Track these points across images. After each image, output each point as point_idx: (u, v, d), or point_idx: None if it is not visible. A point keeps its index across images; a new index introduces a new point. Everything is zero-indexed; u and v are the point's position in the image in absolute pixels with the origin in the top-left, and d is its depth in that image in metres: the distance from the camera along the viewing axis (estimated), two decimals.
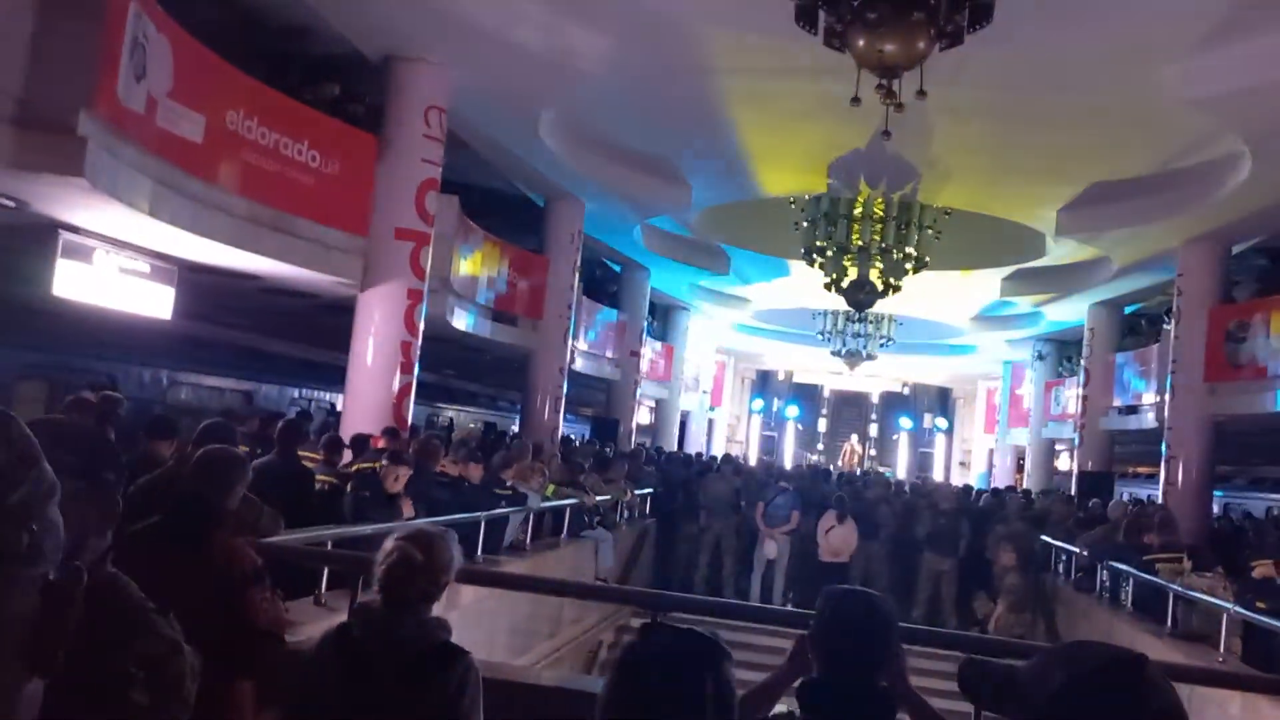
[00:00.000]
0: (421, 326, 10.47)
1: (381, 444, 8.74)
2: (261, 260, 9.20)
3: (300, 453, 7.59)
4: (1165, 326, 15.20)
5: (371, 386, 10.24)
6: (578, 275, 15.66)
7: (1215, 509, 15.16)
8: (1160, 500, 13.86)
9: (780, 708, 2.72)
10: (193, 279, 9.50)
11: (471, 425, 22.50)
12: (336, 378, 11.60)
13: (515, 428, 17.71)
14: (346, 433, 9.21)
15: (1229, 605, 7.48)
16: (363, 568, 4.52)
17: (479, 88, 10.59)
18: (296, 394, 18.75)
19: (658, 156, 13.51)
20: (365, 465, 7.71)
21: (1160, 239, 13.81)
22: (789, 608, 12.96)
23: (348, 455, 8.47)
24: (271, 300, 12.10)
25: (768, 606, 12.52)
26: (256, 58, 9.42)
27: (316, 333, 13.95)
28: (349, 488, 6.94)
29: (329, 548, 5.67)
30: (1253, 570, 7.97)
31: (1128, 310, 18.87)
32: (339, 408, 12.36)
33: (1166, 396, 14.20)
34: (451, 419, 22.62)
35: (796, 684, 2.56)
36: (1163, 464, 13.99)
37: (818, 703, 2.43)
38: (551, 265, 15.12)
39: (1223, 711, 6.69)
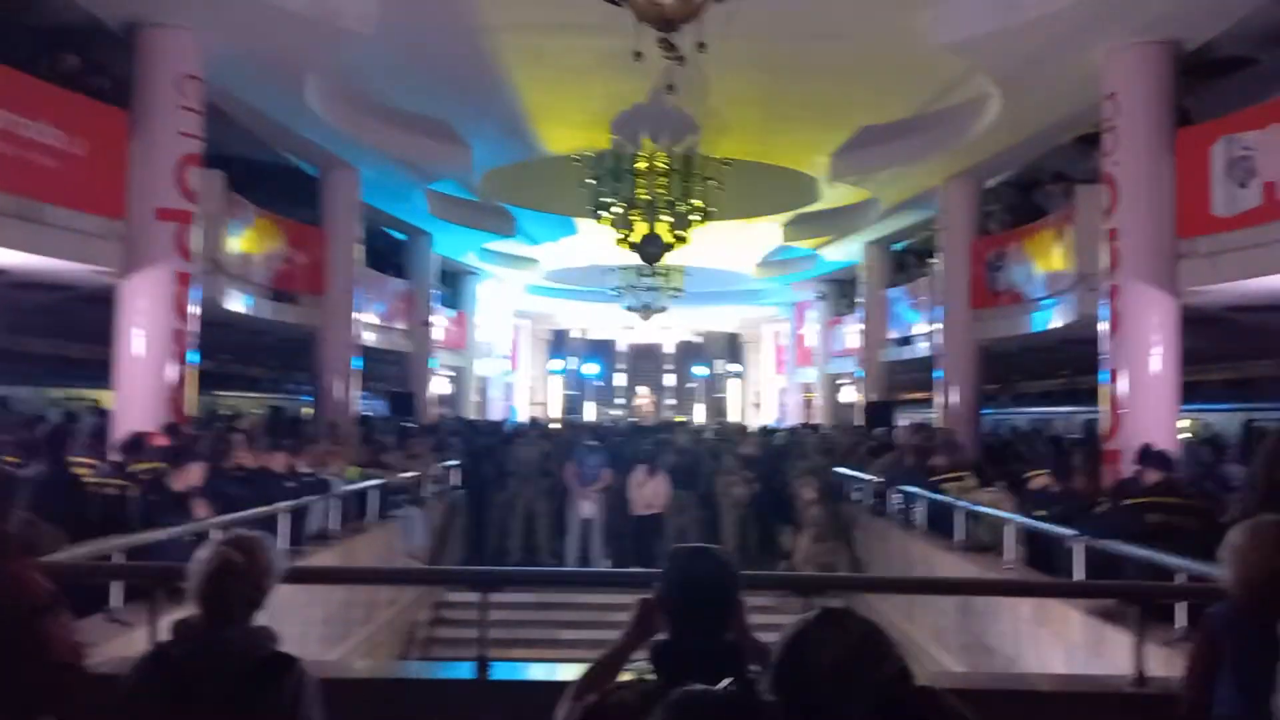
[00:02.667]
0: (194, 312, 9.80)
1: (163, 442, 8.16)
2: (5, 253, 8.34)
3: (71, 459, 6.97)
4: (932, 260, 16.17)
5: (143, 380, 9.52)
6: (360, 247, 15.07)
7: (985, 425, 16.35)
8: (937, 422, 14.83)
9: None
10: None
11: (255, 411, 21.38)
12: (102, 374, 10.71)
13: (307, 411, 16.98)
14: (119, 432, 8.52)
15: (1011, 516, 8.08)
16: (162, 578, 4.19)
17: (236, 53, 9.93)
18: (57, 395, 17.29)
19: (435, 119, 13.11)
20: (148, 466, 7.16)
21: (922, 178, 14.63)
22: (609, 567, 13.16)
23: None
24: (20, 295, 11.00)
25: (600, 570, 12.64)
26: None
27: (75, 326, 12.81)
28: (134, 493, 6.40)
29: (119, 560, 5.20)
30: (1029, 482, 8.63)
31: (897, 247, 19.97)
32: (108, 406, 11.43)
33: (937, 326, 15.15)
34: (234, 407, 21.39)
35: (647, 646, 2.52)
36: (937, 389, 14.97)
37: (671, 663, 2.40)
38: (330, 238, 14.49)
39: (1015, 614, 7.25)
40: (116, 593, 5.03)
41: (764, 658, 2.64)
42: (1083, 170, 12.42)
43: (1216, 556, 3.02)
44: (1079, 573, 6.43)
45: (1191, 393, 11.35)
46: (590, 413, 34.10)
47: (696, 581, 2.52)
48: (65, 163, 8.71)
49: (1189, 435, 12.51)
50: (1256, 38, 9.89)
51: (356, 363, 14.80)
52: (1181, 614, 5.03)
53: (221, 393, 20.83)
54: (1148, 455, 7.18)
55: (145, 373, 9.50)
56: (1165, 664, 4.59)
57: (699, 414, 35.20)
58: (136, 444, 8.05)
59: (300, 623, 7.30)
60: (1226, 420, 14.58)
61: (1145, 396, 9.50)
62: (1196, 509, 6.40)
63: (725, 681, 2.00)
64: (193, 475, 6.47)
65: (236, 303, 12.02)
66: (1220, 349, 13.80)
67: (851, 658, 1.75)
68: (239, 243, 12.17)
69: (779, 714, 1.76)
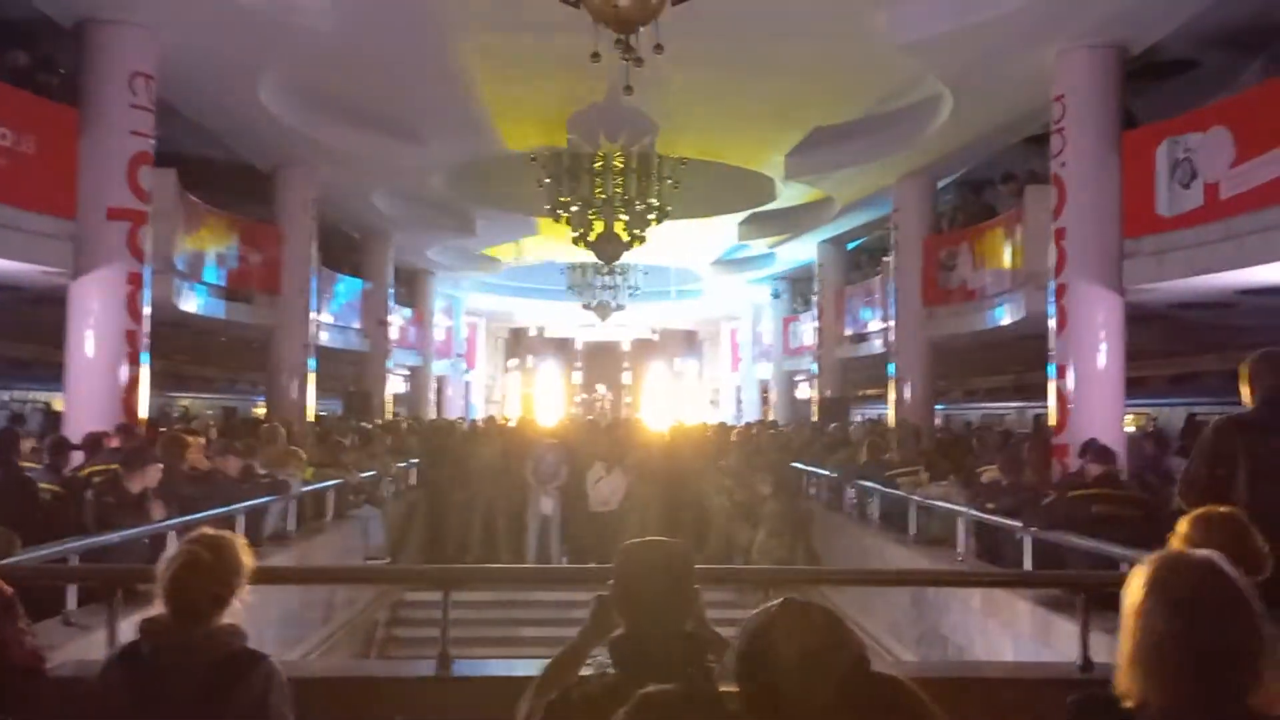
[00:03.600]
0: (147, 312, 9.69)
1: (116, 443, 8.07)
2: None
3: (19, 461, 6.88)
4: (886, 259, 16.38)
5: (95, 381, 9.41)
6: (315, 246, 14.96)
7: (938, 421, 16.60)
8: (891, 418, 15.04)
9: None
10: None
11: (208, 412, 21.13)
12: (52, 375, 10.55)
13: (261, 411, 16.82)
14: (70, 433, 8.41)
15: (962, 509, 8.24)
16: (120, 580, 4.17)
17: (189, 50, 9.83)
18: (4, 396, 16.96)
19: (392, 116, 13.05)
20: (101, 467, 7.08)
21: (876, 177, 14.82)
22: (566, 563, 13.20)
23: (75, 458, 7.73)
24: None
25: (560, 567, 12.67)
26: None
27: (25, 328, 12.60)
28: (88, 494, 6.33)
29: (75, 562, 5.15)
30: (981, 476, 8.80)
31: (851, 246, 20.19)
32: (58, 407, 11.27)
33: (891, 323, 15.36)
34: (186, 407, 21.12)
35: (606, 641, 2.56)
36: (891, 385, 15.18)
37: (630, 657, 2.45)
38: (286, 237, 14.37)
39: (965, 605, 7.40)
40: (72, 596, 5.00)
41: (722, 649, 2.70)
42: (1032, 170, 12.66)
43: (1164, 546, 3.11)
44: (1027, 564, 6.60)
45: (1137, 388, 11.62)
46: (548, 411, 34.06)
47: (647, 576, 2.54)
48: (14, 161, 8.58)
49: (1134, 429, 12.80)
50: (1199, 42, 10.15)
51: (312, 363, 14.69)
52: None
53: (174, 394, 20.56)
54: (1091, 449, 7.36)
55: (97, 374, 9.39)
56: (1110, 651, 4.72)
57: (656, 411, 35.29)
58: (92, 444, 7.98)
59: (257, 624, 7.26)
60: (1170, 414, 14.92)
61: (1092, 392, 9.72)
62: (1136, 500, 6.61)
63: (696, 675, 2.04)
64: (149, 476, 6.41)
65: (190, 302, 11.90)
66: (1164, 345, 14.13)
67: (816, 646, 1.79)
68: (192, 241, 12.04)
69: (743, 704, 1.80)
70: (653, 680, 1.93)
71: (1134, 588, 1.78)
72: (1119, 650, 1.77)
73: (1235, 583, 1.74)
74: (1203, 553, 1.82)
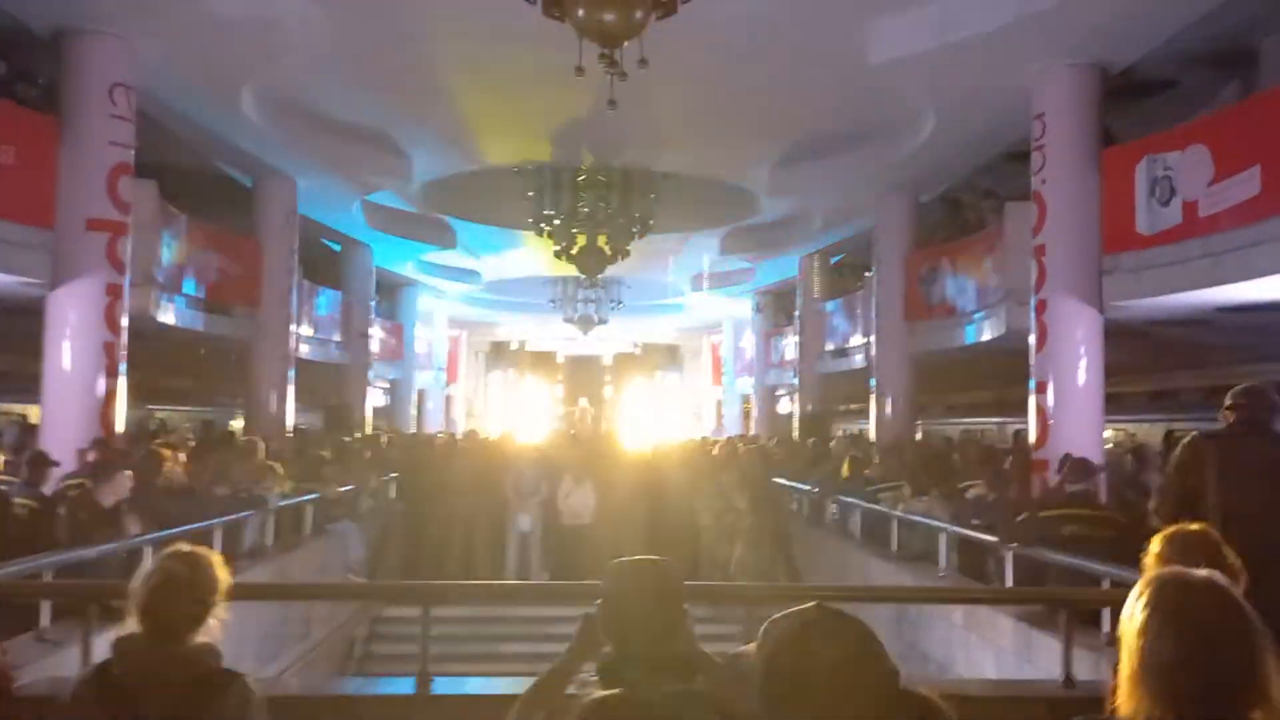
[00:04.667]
0: (125, 324, 9.60)
1: (92, 457, 7.99)
2: None
3: None
4: (868, 274, 16.44)
5: (72, 394, 9.30)
6: (296, 258, 14.89)
7: (919, 436, 16.64)
8: (872, 432, 15.07)
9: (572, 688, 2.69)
10: None
11: (186, 425, 20.94)
12: (29, 387, 10.42)
13: (238, 424, 16.68)
14: (47, 446, 8.30)
15: (944, 525, 8.25)
16: (94, 595, 4.12)
17: (171, 61, 9.79)
18: None
19: (374, 129, 13.01)
20: (75, 482, 7.00)
21: (859, 193, 14.88)
22: (548, 579, 13.12)
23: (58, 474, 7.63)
24: None
25: (541, 583, 12.59)
26: None
27: (1, 339, 12.45)
28: (61, 510, 6.25)
29: (49, 577, 5.08)
30: (967, 492, 8.82)
31: (834, 261, 20.26)
32: (34, 419, 11.13)
33: (872, 338, 15.40)
34: (163, 420, 20.93)
35: (595, 661, 2.52)
36: (872, 400, 15.21)
37: (619, 678, 2.41)
38: (266, 249, 14.29)
39: (948, 621, 7.40)
40: (46, 613, 4.92)
41: (712, 670, 2.67)
42: (1013, 187, 12.74)
43: (1140, 564, 3.12)
44: (1009, 580, 6.60)
45: (1116, 404, 11.67)
46: (529, 425, 33.95)
47: (637, 595, 2.50)
48: None
49: (1112, 445, 12.86)
50: (1178, 61, 10.25)
51: (291, 375, 14.59)
52: (1107, 620, 5.19)
53: (152, 406, 20.37)
54: (1068, 464, 7.39)
55: (74, 386, 9.28)
56: (1092, 668, 4.73)
57: (637, 425, 35.25)
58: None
59: (234, 640, 7.18)
60: (1148, 431, 15.01)
61: (1071, 407, 9.76)
62: (1109, 520, 6.63)
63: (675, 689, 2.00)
64: (120, 487, 6.33)
65: (168, 314, 11.80)
66: (1142, 362, 14.22)
67: (848, 658, 1.71)
68: (171, 253, 11.95)
69: (766, 711, 1.72)
70: (642, 700, 1.89)
71: (1135, 608, 1.77)
72: (1120, 671, 1.76)
73: (1241, 604, 1.74)
74: (1204, 573, 1.81)
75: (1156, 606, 1.75)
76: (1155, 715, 1.69)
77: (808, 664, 1.71)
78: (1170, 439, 13.02)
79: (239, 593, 5.51)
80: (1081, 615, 4.82)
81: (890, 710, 1.71)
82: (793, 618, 1.78)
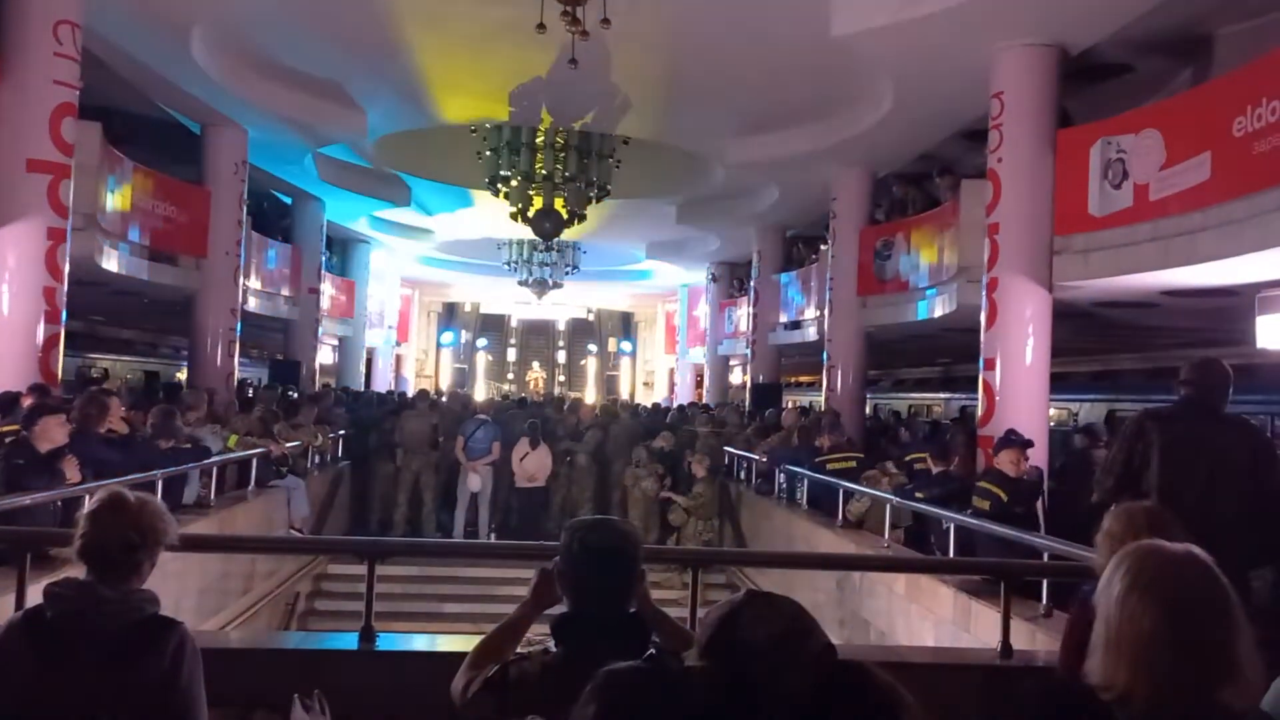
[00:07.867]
0: (67, 269, 9.36)
1: (30, 401, 7.78)
2: None
3: None
4: (823, 247, 16.49)
5: (11, 339, 9.05)
6: (245, 208, 14.59)
7: (867, 410, 16.83)
8: (823, 405, 15.19)
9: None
10: None
11: (129, 376, 20.56)
12: None
13: (183, 375, 16.41)
14: None
15: (889, 496, 8.36)
16: (30, 542, 4.03)
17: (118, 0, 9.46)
18: None
19: (328, 80, 12.74)
20: (11, 428, 6.83)
21: (816, 166, 14.88)
22: (493, 538, 13.13)
23: None
24: None
25: (491, 542, 12.59)
26: None
27: None
28: None
29: None
30: (915, 465, 8.93)
31: (789, 234, 20.30)
32: None
33: (826, 311, 15.49)
34: (106, 369, 20.54)
35: (551, 618, 2.53)
36: (824, 372, 15.33)
37: (573, 635, 2.42)
38: (214, 198, 13.97)
39: (890, 590, 7.51)
40: None
41: (668, 628, 2.69)
42: (969, 165, 12.83)
43: (1093, 540, 3.16)
44: (951, 552, 6.71)
45: (1059, 383, 11.88)
46: (480, 387, 33.83)
47: (599, 554, 2.51)
48: None
49: (1056, 423, 13.10)
50: (1135, 47, 10.35)
51: (238, 329, 14.35)
52: (1045, 591, 5.30)
53: (93, 355, 19.98)
54: (1008, 439, 7.53)
55: (13, 332, 9.03)
56: (1029, 638, 4.83)
57: (589, 390, 35.27)
58: (6, 404, 7.70)
59: (174, 593, 7.08)
60: (1090, 410, 15.32)
61: (1018, 385, 9.89)
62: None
63: (644, 655, 2.02)
64: (54, 432, 6.18)
65: (112, 261, 11.52)
66: (1087, 343, 14.49)
67: (784, 633, 1.80)
68: (115, 199, 11.65)
69: (710, 688, 1.78)
70: (595, 659, 1.89)
71: (1114, 577, 1.79)
72: (1094, 641, 1.78)
73: (1219, 577, 1.77)
74: (1183, 547, 1.83)
75: (1138, 577, 1.77)
76: (1130, 683, 1.72)
77: (743, 642, 1.79)
78: (1114, 420, 13.32)
79: (182, 544, 5.45)
80: (1019, 587, 4.90)
81: (829, 681, 1.77)
82: (724, 605, 1.87)
